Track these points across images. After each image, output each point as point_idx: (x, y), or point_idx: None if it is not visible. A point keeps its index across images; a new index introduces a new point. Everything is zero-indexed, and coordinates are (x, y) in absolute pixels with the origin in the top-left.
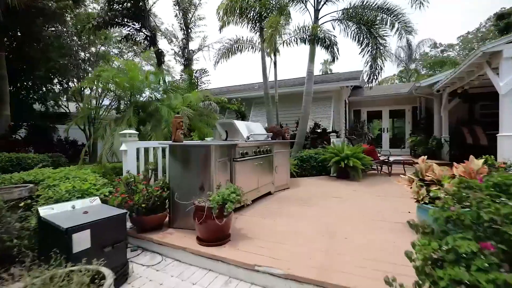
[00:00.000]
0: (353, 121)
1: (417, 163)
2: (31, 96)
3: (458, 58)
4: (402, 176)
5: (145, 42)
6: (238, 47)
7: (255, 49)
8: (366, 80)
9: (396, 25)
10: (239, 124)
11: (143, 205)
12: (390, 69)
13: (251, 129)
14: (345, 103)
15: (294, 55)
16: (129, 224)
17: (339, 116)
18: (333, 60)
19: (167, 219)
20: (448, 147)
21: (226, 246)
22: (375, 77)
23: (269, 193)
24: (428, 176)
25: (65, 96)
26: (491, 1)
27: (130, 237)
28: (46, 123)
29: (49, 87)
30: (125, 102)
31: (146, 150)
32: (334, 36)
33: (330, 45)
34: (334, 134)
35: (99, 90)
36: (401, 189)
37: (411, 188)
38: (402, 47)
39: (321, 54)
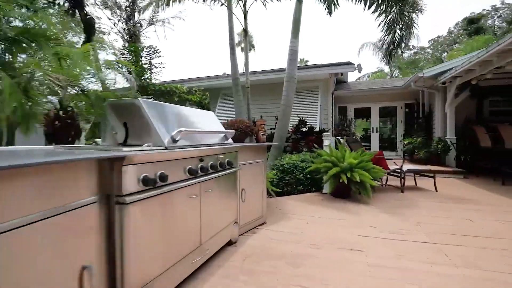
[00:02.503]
0: (339, 118)
1: (433, 173)
2: None
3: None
4: None
5: (66, 4)
6: None
7: None
8: (384, 51)
9: None
10: (155, 110)
11: None
12: (371, 64)
13: (189, 121)
14: (331, 97)
15: (270, 50)
16: None
17: (326, 112)
18: (330, 13)
19: None
20: (455, 151)
21: None
22: (404, 43)
23: (229, 243)
24: None
25: None
26: (457, 6)
27: None
28: None
29: None
30: None
31: None
32: None
33: None
34: (328, 134)
35: None
36: (447, 221)
37: None
38: None
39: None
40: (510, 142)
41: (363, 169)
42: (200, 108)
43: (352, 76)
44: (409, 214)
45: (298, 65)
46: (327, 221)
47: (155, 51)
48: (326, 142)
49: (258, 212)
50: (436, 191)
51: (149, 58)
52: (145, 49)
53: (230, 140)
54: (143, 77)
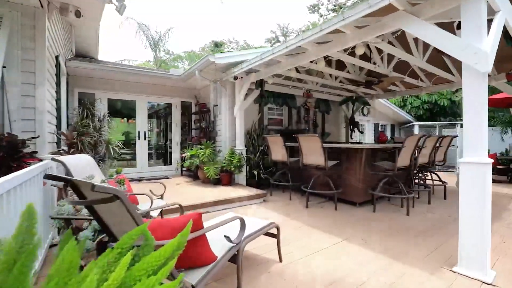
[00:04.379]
0: (80, 114)
1: (277, 228)
2: None
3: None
4: None
5: None
6: None
7: None
8: None
9: None
10: None
11: None
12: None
13: None
14: (57, 73)
15: None
16: None
17: (33, 92)
18: None
19: None
20: (247, 166)
21: None
22: None
23: None
24: None
25: None
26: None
27: None
28: None
29: None
30: None
31: None
32: None
33: None
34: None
35: None
36: None
37: None
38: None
39: None
40: (318, 157)
41: None
42: None
43: (104, 55)
44: None
45: None
46: None
47: None
48: None
49: None
50: (281, 261)
51: None
52: None
53: None
54: None
